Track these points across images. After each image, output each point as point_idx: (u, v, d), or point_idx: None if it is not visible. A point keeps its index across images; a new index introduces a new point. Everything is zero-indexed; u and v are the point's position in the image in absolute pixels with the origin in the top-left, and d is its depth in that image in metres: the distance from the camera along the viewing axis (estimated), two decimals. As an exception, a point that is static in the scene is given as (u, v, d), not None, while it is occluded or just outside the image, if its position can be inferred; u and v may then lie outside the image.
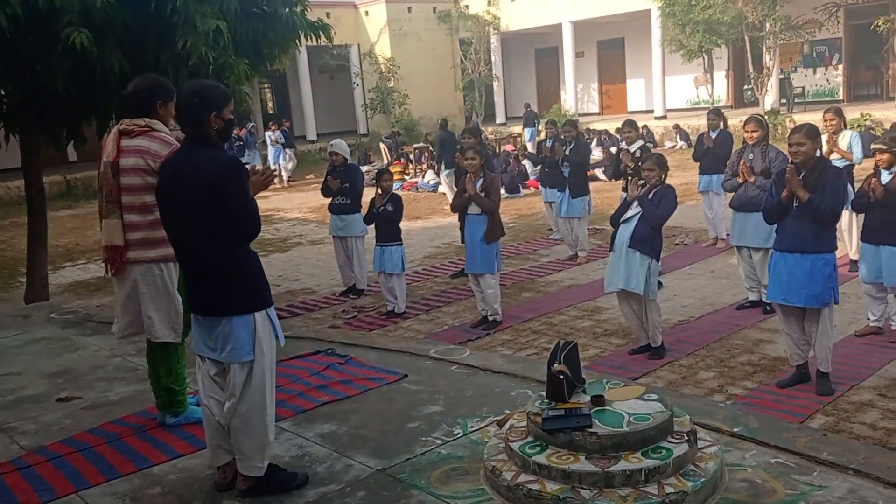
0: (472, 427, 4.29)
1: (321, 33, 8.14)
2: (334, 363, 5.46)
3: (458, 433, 4.23)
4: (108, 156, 4.34)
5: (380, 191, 7.68)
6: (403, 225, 7.82)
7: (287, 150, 20.85)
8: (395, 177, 17.86)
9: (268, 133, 20.17)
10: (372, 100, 27.44)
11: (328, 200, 8.48)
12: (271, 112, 32.13)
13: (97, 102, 7.19)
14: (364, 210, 7.95)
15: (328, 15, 23.27)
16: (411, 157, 20.46)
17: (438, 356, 5.47)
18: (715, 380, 5.46)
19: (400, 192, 16.22)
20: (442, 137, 16.17)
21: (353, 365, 5.42)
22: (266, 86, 31.81)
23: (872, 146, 5.95)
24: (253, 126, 21.26)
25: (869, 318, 6.09)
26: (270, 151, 20.08)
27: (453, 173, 15.58)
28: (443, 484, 3.68)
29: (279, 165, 19.91)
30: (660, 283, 6.25)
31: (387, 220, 7.56)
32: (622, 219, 5.85)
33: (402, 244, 7.63)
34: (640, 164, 6.58)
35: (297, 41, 8.19)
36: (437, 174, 16.13)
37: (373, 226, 7.71)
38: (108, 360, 6.09)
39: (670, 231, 9.74)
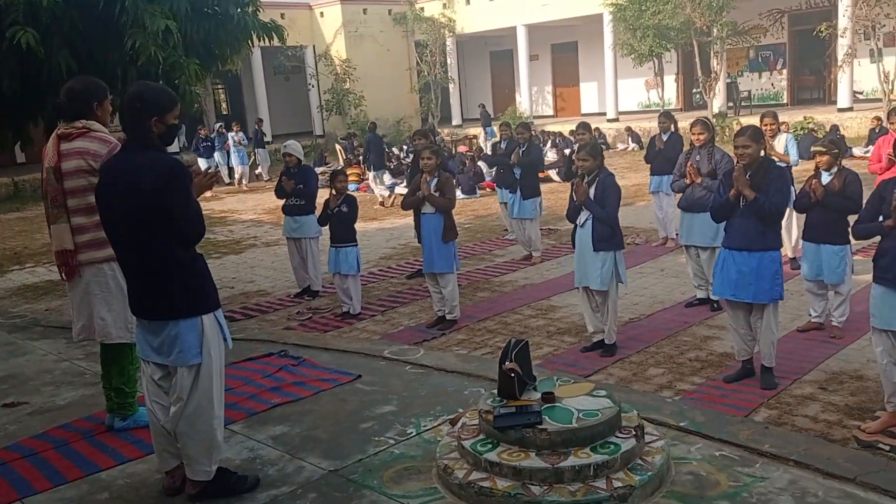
0: (425, 426, 4.31)
1: (274, 34, 8.09)
2: (287, 365, 5.43)
3: (411, 433, 4.25)
4: (50, 161, 4.28)
5: (334, 192, 7.66)
6: (359, 226, 7.81)
7: (259, 150, 20.59)
8: (352, 178, 17.79)
9: (230, 134, 19.50)
10: (328, 101, 27.30)
11: (282, 202, 8.42)
12: (225, 113, 31.74)
13: (44, 103, 7.04)
14: (319, 211, 7.92)
15: (282, 16, 23.13)
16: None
17: (392, 356, 5.48)
18: (664, 376, 5.56)
19: (356, 194, 16.21)
20: (370, 140, 16.42)
21: (307, 366, 5.40)
22: (219, 87, 31.42)
23: (813, 148, 6.12)
24: (221, 126, 20.71)
25: (811, 315, 6.27)
26: (233, 153, 19.50)
27: (381, 175, 15.89)
28: (395, 484, 3.69)
29: (241, 168, 19.47)
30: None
31: (341, 221, 7.54)
32: (578, 222, 5.93)
33: (357, 245, 7.61)
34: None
35: (250, 42, 8.13)
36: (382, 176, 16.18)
37: (328, 227, 7.68)
38: (55, 364, 5.97)
39: (623, 231, 9.89)
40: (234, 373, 5.31)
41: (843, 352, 5.70)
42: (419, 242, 7.47)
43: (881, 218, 4.32)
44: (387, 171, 16.41)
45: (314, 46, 28.00)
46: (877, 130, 15.77)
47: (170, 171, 3.42)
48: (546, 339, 6.56)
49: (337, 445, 4.16)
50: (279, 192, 8.41)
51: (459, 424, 3.89)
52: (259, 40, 8.13)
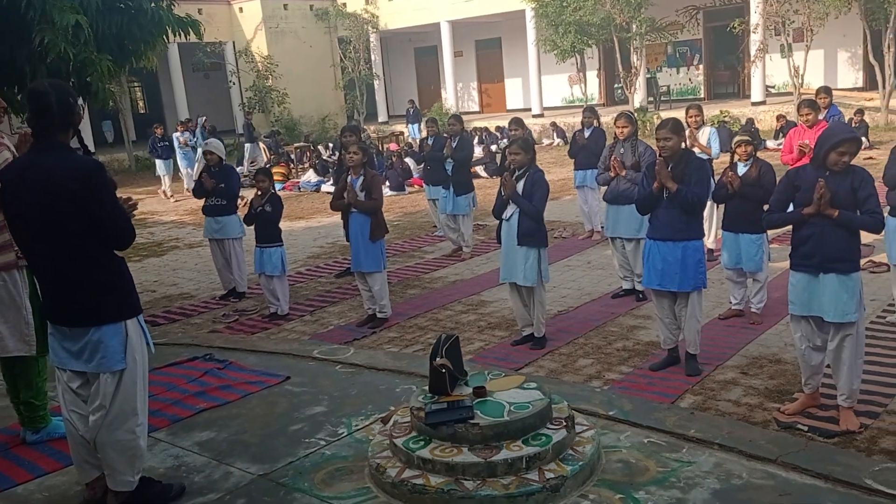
0: (356, 426, 4.26)
1: (190, 29, 7.85)
2: (213, 368, 5.29)
3: (343, 433, 4.19)
4: None
5: (258, 191, 7.49)
6: (286, 225, 7.67)
7: (249, 144, 19.79)
8: (277, 178, 17.50)
9: (175, 135, 18.13)
10: (250, 99, 26.76)
11: (204, 202, 8.19)
12: (142, 112, 30.80)
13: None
14: (241, 211, 7.74)
15: (200, 11, 22.52)
16: (292, 156, 20.09)
17: (322, 356, 5.40)
18: (593, 366, 5.64)
19: (282, 193, 15.95)
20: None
21: (233, 369, 5.27)
22: (136, 84, 30.45)
23: (737, 139, 6.29)
24: (181, 121, 19.71)
25: (731, 302, 6.46)
26: (179, 156, 17.93)
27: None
28: (327, 485, 3.63)
29: (184, 171, 18.17)
30: None
31: (266, 220, 7.38)
32: (504, 216, 5.95)
33: (282, 245, 7.47)
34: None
35: (165, 37, 7.87)
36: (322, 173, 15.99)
37: (252, 227, 7.51)
38: (-38, 377, 5.65)
39: (549, 225, 10.00)
40: (157, 378, 5.14)
41: (762, 337, 5.89)
42: (347, 241, 7.39)
43: (790, 207, 4.44)
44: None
45: (234, 43, 27.38)
46: (782, 127, 16.42)
47: (87, 175, 3.28)
48: (477, 334, 6.57)
49: (266, 449, 4.06)
50: (197, 191, 8.18)
51: (391, 423, 3.85)
52: (175, 36, 7.88)
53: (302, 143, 21.08)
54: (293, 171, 19.06)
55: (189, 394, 4.88)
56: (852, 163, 4.27)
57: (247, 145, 20.56)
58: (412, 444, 3.59)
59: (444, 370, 3.75)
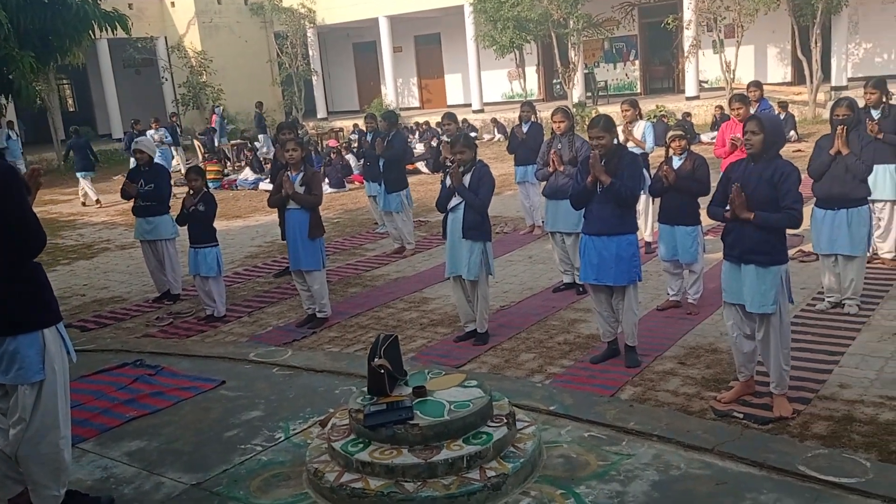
0: (294, 430, 4.16)
1: (117, 24, 7.59)
2: (143, 375, 5.11)
3: (280, 437, 4.08)
4: None
5: (191, 190, 7.28)
6: (222, 224, 7.48)
7: (174, 147, 19.07)
8: (212, 175, 17.07)
9: (149, 132, 17.15)
10: (183, 95, 26.13)
11: (134, 203, 7.94)
12: (71, 110, 29.81)
13: None
14: (174, 211, 7.51)
15: (130, 6, 21.91)
16: (229, 154, 19.67)
17: (259, 359, 5.27)
18: (535, 360, 5.64)
19: (218, 191, 15.58)
20: (73, 144, 16.06)
21: (165, 375, 5.10)
22: (64, 81, 29.44)
23: (671, 133, 6.37)
24: (156, 118, 18.85)
25: (668, 294, 6.55)
26: (158, 155, 17.32)
27: (89, 176, 15.75)
28: (263, 492, 3.53)
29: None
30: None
31: (199, 220, 7.18)
32: (449, 207, 5.91)
33: (217, 245, 7.27)
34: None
35: (91, 32, 7.59)
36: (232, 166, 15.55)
37: (186, 227, 7.30)
38: None
39: (491, 220, 10.00)
40: (84, 387, 4.95)
41: (699, 327, 5.98)
42: (283, 239, 7.24)
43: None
44: (90, 175, 16.07)
45: (166, 38, 26.70)
46: (718, 118, 16.79)
47: (3, 176, 3.11)
48: (420, 332, 6.52)
49: (199, 457, 3.93)
50: (124, 195, 7.93)
51: (329, 425, 3.77)
52: (102, 31, 7.60)
53: (238, 141, 20.65)
54: (230, 168, 18.67)
55: (118, 402, 4.70)
56: (781, 155, 4.38)
57: (261, 137, 19.89)
58: (351, 448, 3.52)
59: (382, 371, 3.69)
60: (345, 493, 3.34)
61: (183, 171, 18.65)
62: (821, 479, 3.42)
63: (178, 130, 20.47)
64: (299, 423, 4.24)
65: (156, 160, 16.72)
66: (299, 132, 8.91)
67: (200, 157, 19.54)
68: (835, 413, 4.34)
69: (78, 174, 15.98)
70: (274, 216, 9.62)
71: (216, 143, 20.09)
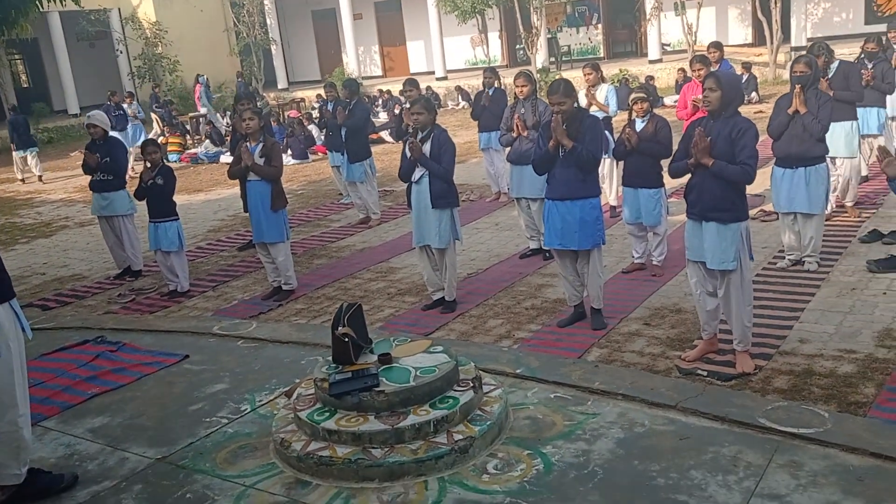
0: (260, 401, 4.13)
1: (66, -5, 7.36)
2: (105, 351, 5.03)
3: (246, 409, 4.05)
4: None
5: (148, 164, 7.13)
6: (183, 198, 7.36)
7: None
8: (172, 148, 16.75)
9: (124, 106, 16.36)
10: (139, 68, 25.51)
11: (91, 178, 7.76)
12: (25, 86, 28.96)
13: None
14: (131, 186, 7.36)
15: (80, -24, 21.19)
16: (188, 126, 19.29)
17: (223, 332, 5.21)
18: (503, 326, 5.66)
19: (179, 165, 15.33)
20: (13, 121, 15.74)
21: (127, 351, 5.02)
22: (16, 56, 28.54)
23: (633, 96, 6.37)
24: (129, 93, 18.08)
25: (633, 256, 6.60)
26: (129, 128, 16.10)
27: (37, 153, 15.52)
28: (230, 464, 3.51)
29: (133, 150, 15.91)
30: None
31: (158, 194, 7.05)
32: (413, 178, 5.85)
33: (178, 219, 7.15)
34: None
35: (39, 4, 7.35)
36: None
37: (145, 202, 7.16)
38: None
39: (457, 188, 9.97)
40: (44, 365, 4.86)
41: (663, 288, 6.04)
42: (245, 212, 7.13)
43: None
44: (34, 150, 15.73)
45: (119, 9, 25.95)
46: (681, 81, 16.84)
47: None
48: (387, 301, 6.50)
49: (164, 431, 3.89)
50: (85, 168, 7.74)
51: (295, 396, 3.75)
52: (50, 3, 7.36)
53: (197, 113, 20.25)
54: (190, 142, 18.32)
55: (80, 379, 4.63)
56: (740, 113, 4.41)
57: (132, 127, 19.22)
58: (317, 416, 3.50)
59: (346, 339, 3.66)
60: (312, 462, 3.33)
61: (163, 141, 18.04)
62: (780, 430, 3.49)
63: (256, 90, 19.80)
64: (265, 394, 4.21)
65: (130, 134, 16.14)
66: (258, 103, 8.71)
67: (158, 130, 19.12)
68: (795, 367, 4.43)
69: (21, 151, 15.61)
70: (236, 189, 9.48)
71: (205, 116, 19.51)
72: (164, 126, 19.04)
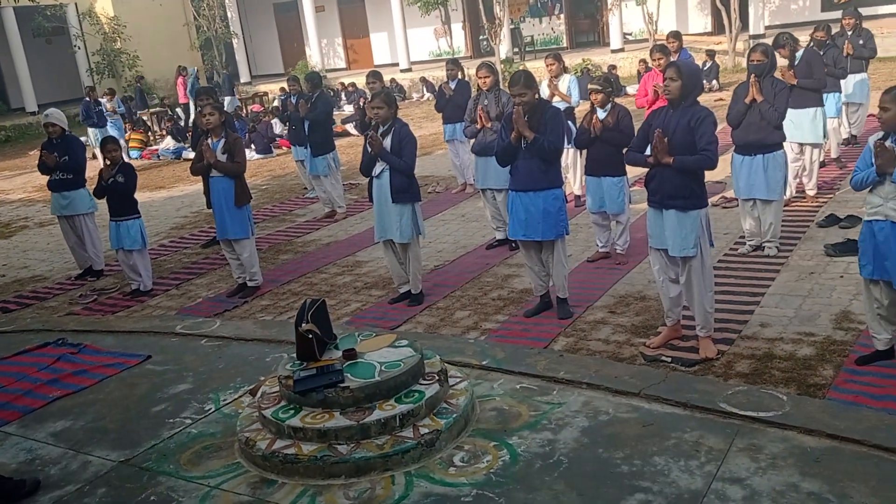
0: (224, 400, 4.10)
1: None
2: (66, 354, 4.95)
3: (210, 409, 4.02)
4: None
5: (108, 161, 7.01)
6: (146, 195, 7.25)
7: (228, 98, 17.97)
8: (134, 144, 16.50)
9: (103, 101, 15.99)
10: (98, 63, 25.04)
11: (49, 177, 7.60)
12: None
13: None
14: (92, 184, 7.22)
15: (34, -29, 20.75)
16: (148, 122, 19.00)
17: (186, 331, 5.15)
18: (470, 318, 5.67)
19: (140, 162, 15.09)
20: None
21: (88, 353, 4.95)
22: (-30, 53, 27.86)
23: (588, 86, 6.42)
24: (110, 89, 17.31)
25: (598, 245, 6.65)
26: (109, 125, 15.76)
27: None
28: (194, 465, 3.48)
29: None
30: None
31: (119, 192, 6.93)
32: (374, 173, 5.83)
33: (139, 217, 7.04)
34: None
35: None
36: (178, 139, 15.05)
37: (105, 200, 7.04)
38: None
39: (422, 180, 9.95)
40: (4, 369, 4.78)
41: (628, 276, 6.09)
42: (208, 208, 7.05)
43: (648, 150, 4.60)
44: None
45: (76, 4, 25.44)
46: (642, 72, 16.98)
47: None
48: (354, 296, 6.48)
49: (127, 434, 3.85)
50: (42, 167, 7.59)
51: (259, 394, 3.72)
52: (3, -2, 7.17)
53: (158, 109, 19.94)
54: (151, 138, 18.05)
55: (41, 382, 4.55)
56: (700, 102, 4.46)
57: (111, 124, 18.79)
58: (282, 414, 3.48)
59: (310, 335, 3.64)
60: (277, 460, 3.32)
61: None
62: (740, 414, 3.55)
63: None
64: (230, 393, 4.18)
65: (109, 131, 15.55)
66: (218, 97, 8.59)
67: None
68: (756, 351, 4.50)
69: None
70: (199, 185, 9.36)
71: (187, 114, 19.10)
72: (125, 122, 18.72)
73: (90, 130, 15.65)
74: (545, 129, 5.15)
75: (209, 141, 6.48)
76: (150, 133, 18.20)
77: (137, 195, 7.14)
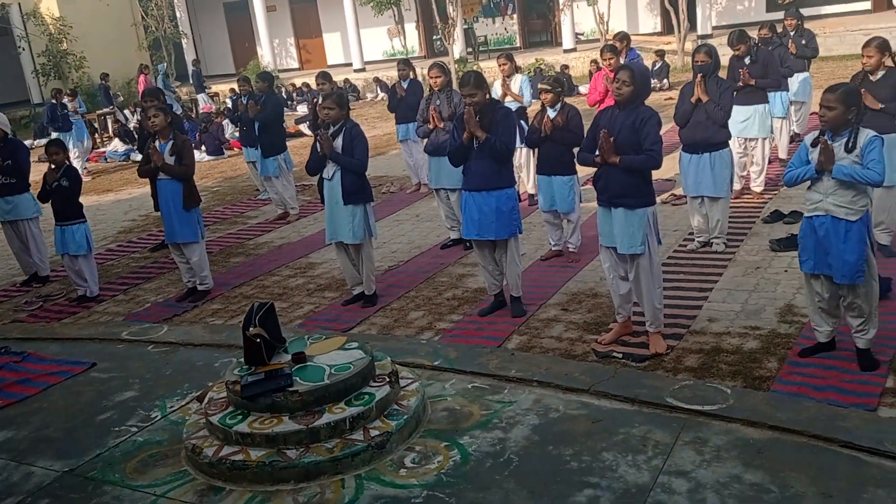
0: (171, 407, 4.02)
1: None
2: (9, 363, 4.83)
3: (156, 416, 3.94)
4: None
5: (52, 165, 6.84)
6: (92, 199, 7.09)
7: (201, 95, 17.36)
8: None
9: (64, 101, 14.89)
10: (43, 65, 24.43)
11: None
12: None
13: None
14: (36, 188, 7.04)
15: (-27, -31, 20.13)
16: (95, 125, 18.57)
17: (132, 337, 5.05)
18: (424, 318, 5.66)
19: (88, 165, 14.72)
20: None
21: (32, 361, 4.83)
22: None
23: (539, 86, 6.46)
24: (71, 90, 16.37)
25: (550, 244, 6.70)
26: (73, 128, 14.74)
27: None
28: (140, 474, 3.41)
29: (84, 145, 14.94)
30: None
31: (63, 196, 6.76)
32: (326, 175, 5.78)
33: (85, 221, 6.88)
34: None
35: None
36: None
37: (49, 204, 6.86)
38: None
39: (376, 180, 9.93)
40: (-59, 381, 4.62)
41: (580, 274, 6.15)
42: (158, 211, 6.92)
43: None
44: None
45: (20, 5, 24.78)
46: (594, 72, 17.17)
47: None
48: (307, 298, 6.42)
49: (71, 443, 3.76)
50: None
51: (206, 400, 3.66)
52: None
53: (106, 111, 19.50)
54: (98, 140, 17.65)
55: (-19, 393, 4.42)
56: (646, 103, 4.53)
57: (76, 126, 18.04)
58: (229, 420, 3.44)
59: (258, 339, 3.60)
60: (224, 467, 3.27)
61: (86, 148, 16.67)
62: (686, 408, 3.61)
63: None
64: (177, 400, 4.11)
65: (74, 133, 14.79)
66: (164, 98, 8.41)
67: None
68: (705, 346, 4.58)
69: None
70: (147, 188, 9.19)
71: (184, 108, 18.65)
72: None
73: (56, 136, 14.81)
74: (497, 130, 5.17)
75: (157, 143, 6.36)
76: (96, 135, 17.80)
77: (85, 198, 6.99)
